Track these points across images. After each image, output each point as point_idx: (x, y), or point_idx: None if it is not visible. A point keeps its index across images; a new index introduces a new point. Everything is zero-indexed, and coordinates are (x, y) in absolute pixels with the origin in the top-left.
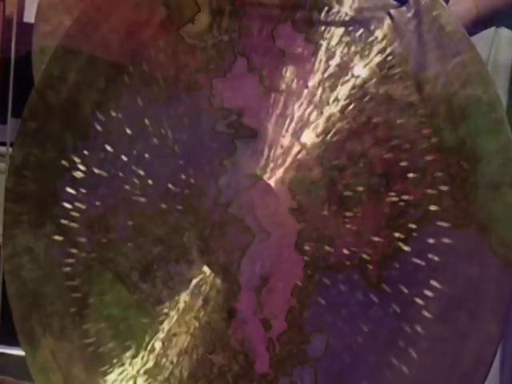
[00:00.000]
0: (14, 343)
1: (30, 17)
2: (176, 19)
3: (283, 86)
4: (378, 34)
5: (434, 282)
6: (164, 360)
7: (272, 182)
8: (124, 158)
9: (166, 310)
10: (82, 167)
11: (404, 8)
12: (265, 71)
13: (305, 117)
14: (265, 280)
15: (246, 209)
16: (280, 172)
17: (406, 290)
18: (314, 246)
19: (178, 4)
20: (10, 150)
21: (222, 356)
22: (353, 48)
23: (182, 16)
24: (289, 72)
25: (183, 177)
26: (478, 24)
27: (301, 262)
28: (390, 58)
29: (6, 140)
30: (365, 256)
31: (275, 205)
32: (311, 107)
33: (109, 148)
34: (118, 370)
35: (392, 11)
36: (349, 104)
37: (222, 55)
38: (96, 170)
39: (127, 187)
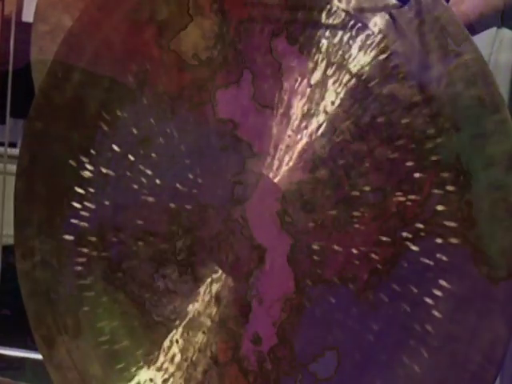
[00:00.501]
0: (10, 343)
1: (28, 16)
2: (168, 29)
3: (285, 88)
4: (380, 33)
5: (442, 282)
6: (179, 358)
7: (277, 181)
8: (131, 157)
9: (178, 309)
10: (89, 167)
11: (405, 8)
12: (265, 80)
13: (309, 116)
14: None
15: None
16: (285, 171)
17: (415, 290)
18: (321, 246)
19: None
20: (9, 150)
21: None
22: (354, 47)
23: (174, 25)
24: (289, 77)
25: (190, 176)
26: (475, 26)
27: (294, 274)
28: (392, 57)
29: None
30: (373, 255)
31: (276, 206)
32: (315, 106)
33: (116, 147)
34: (134, 368)
35: (393, 11)
36: (353, 103)
37: (225, 67)
38: (104, 170)
39: (135, 186)
